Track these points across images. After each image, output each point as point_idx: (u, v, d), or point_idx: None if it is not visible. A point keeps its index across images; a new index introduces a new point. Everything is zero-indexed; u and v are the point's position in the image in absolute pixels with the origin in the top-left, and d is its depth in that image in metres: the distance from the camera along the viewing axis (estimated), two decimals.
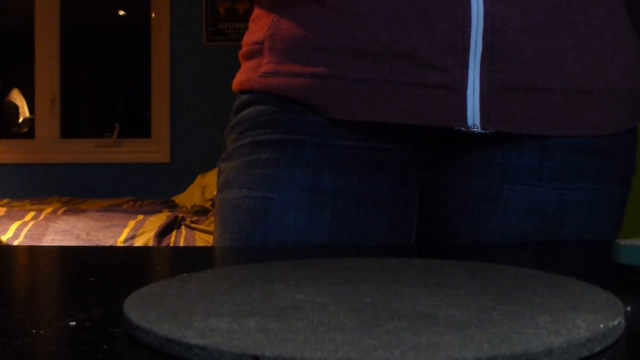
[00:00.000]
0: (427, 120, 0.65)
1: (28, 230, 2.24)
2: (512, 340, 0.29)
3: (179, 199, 3.16)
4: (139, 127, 3.97)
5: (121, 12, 4.28)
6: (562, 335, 0.30)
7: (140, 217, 2.40)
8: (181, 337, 0.30)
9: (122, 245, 2.16)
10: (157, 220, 2.35)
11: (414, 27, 0.64)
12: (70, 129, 3.94)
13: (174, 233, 2.24)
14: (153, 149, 3.78)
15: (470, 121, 0.65)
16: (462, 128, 0.65)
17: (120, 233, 2.25)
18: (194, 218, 2.41)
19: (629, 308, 0.37)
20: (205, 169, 3.18)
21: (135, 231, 2.26)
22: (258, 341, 0.29)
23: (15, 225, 2.26)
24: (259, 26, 0.74)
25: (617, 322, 0.32)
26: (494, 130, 0.66)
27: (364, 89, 0.66)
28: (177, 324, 0.32)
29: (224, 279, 0.44)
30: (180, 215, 2.45)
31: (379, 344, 0.29)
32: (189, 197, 3.07)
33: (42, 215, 2.39)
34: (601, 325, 0.31)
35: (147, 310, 0.35)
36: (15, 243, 2.16)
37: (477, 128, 0.65)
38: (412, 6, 0.64)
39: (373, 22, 0.65)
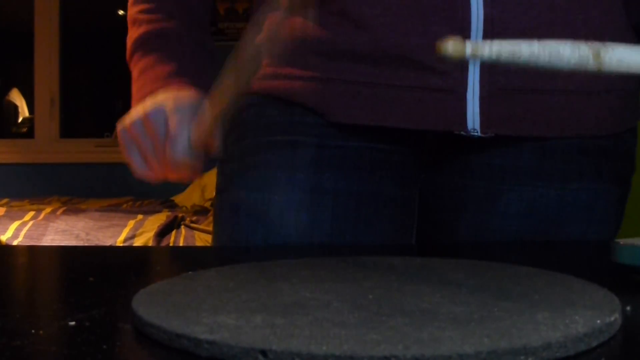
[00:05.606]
0: (427, 124, 0.66)
1: (27, 230, 2.23)
2: (511, 335, 0.30)
3: (178, 198, 3.15)
4: None
5: (121, 12, 4.27)
6: (560, 330, 0.31)
7: (140, 217, 2.39)
8: (190, 333, 0.31)
9: (121, 245, 2.16)
10: (156, 220, 2.35)
11: (413, 30, 0.64)
12: (69, 129, 3.93)
13: (173, 233, 2.24)
14: None
15: (470, 125, 0.65)
16: (462, 132, 0.65)
17: (120, 233, 2.25)
18: (194, 218, 2.41)
19: (628, 308, 0.37)
20: (205, 169, 3.17)
21: (134, 231, 2.26)
22: (265, 336, 0.30)
23: (15, 225, 2.26)
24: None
25: (613, 318, 0.33)
26: (493, 134, 0.66)
27: (363, 93, 0.67)
28: (185, 320, 0.33)
29: (228, 278, 0.44)
30: (180, 215, 2.45)
31: (383, 338, 0.30)
32: (189, 197, 3.07)
33: (42, 215, 2.39)
34: (598, 321, 0.32)
35: (156, 307, 0.36)
36: (15, 243, 2.16)
37: (477, 132, 0.65)
38: (411, 10, 0.64)
39: (373, 26, 0.65)
